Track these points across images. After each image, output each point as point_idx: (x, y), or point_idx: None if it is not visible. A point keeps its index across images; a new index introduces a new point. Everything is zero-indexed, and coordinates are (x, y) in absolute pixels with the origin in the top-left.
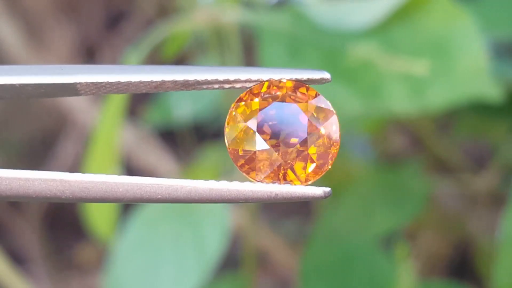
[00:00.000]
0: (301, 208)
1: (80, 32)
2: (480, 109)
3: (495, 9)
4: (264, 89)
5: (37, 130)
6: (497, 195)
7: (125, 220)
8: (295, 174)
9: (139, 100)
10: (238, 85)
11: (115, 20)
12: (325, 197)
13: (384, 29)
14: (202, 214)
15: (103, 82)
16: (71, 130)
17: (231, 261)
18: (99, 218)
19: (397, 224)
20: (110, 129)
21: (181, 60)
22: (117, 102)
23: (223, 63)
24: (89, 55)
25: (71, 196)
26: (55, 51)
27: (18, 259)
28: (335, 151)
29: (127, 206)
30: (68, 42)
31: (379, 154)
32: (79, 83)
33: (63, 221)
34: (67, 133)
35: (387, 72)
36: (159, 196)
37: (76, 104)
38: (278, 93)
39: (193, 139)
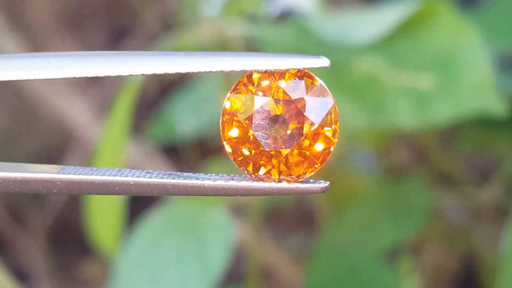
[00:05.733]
0: (305, 222)
1: (84, 48)
2: (484, 122)
3: (499, 21)
4: (261, 76)
5: (42, 146)
6: (501, 208)
7: (129, 234)
8: (289, 166)
9: (142, 116)
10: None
11: (119, 36)
12: (323, 191)
13: (388, 43)
14: (206, 228)
15: (95, 77)
16: (76, 147)
17: (235, 275)
18: (103, 232)
19: (402, 238)
20: (114, 144)
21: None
22: (122, 117)
23: (226, 77)
24: None
25: (66, 192)
26: None
27: (23, 276)
28: (334, 140)
29: (131, 219)
30: None
31: (383, 168)
32: (68, 77)
33: (68, 238)
34: (72, 149)
35: (392, 87)
36: (156, 193)
37: (80, 120)
38: (275, 81)
39: (196, 154)
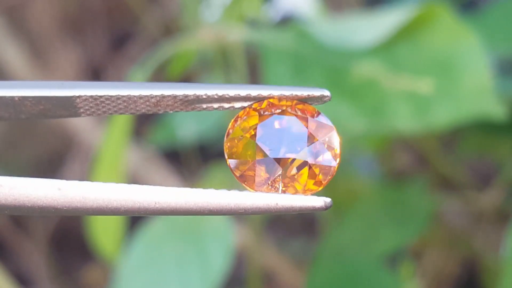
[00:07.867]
0: (306, 227)
1: (85, 53)
2: (484, 127)
3: (499, 25)
4: (263, 106)
5: (43, 151)
6: (502, 212)
7: (131, 239)
8: (294, 188)
9: (144, 121)
10: (238, 105)
11: (120, 41)
12: (326, 208)
13: (388, 48)
14: (206, 232)
15: (103, 96)
16: (77, 152)
17: (237, 280)
18: (104, 237)
19: (403, 242)
20: (115, 149)
21: (186, 79)
22: (122, 122)
23: (228, 81)
24: (94, 76)
25: (67, 206)
26: (60, 73)
27: (25, 281)
28: (335, 165)
29: (132, 225)
30: (74, 63)
31: (384, 172)
32: (78, 96)
33: (70, 243)
34: (73, 154)
35: (392, 91)
36: (157, 206)
37: (81, 125)
38: (278, 110)
39: (197, 159)
